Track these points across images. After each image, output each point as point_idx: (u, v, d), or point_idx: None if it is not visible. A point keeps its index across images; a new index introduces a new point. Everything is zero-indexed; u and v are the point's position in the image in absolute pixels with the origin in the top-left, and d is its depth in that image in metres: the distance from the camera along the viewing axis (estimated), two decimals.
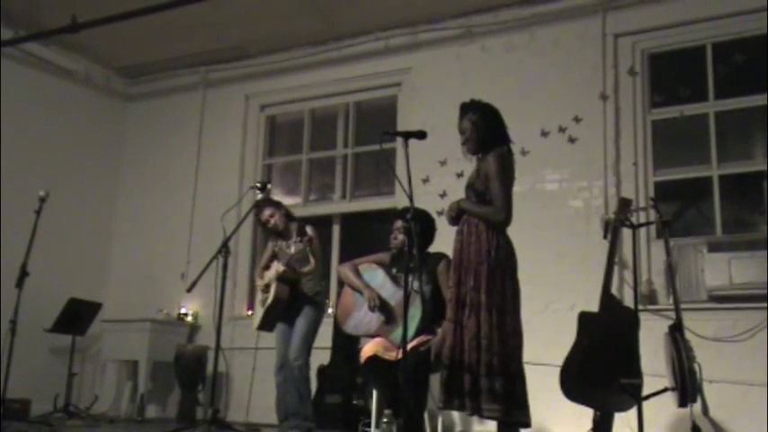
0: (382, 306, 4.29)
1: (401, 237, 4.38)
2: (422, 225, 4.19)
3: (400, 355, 3.45)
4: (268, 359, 5.07)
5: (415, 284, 3.86)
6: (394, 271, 4.41)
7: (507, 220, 3.51)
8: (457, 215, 3.66)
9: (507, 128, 3.72)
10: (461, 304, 3.46)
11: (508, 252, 3.51)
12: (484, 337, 3.34)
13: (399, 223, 4.39)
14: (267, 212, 4.95)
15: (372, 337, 4.33)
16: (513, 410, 3.31)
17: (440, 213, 5.61)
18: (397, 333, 3.97)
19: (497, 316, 3.37)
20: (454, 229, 3.69)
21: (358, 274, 4.48)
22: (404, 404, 3.57)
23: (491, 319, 3.36)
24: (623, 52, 5.82)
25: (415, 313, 4.03)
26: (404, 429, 3.39)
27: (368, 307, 4.31)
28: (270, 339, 5.02)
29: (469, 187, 3.64)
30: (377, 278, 4.42)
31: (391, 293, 4.31)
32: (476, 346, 3.35)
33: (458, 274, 3.53)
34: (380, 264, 4.50)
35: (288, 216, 5.02)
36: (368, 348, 4.24)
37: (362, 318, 4.36)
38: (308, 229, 4.87)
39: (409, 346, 3.85)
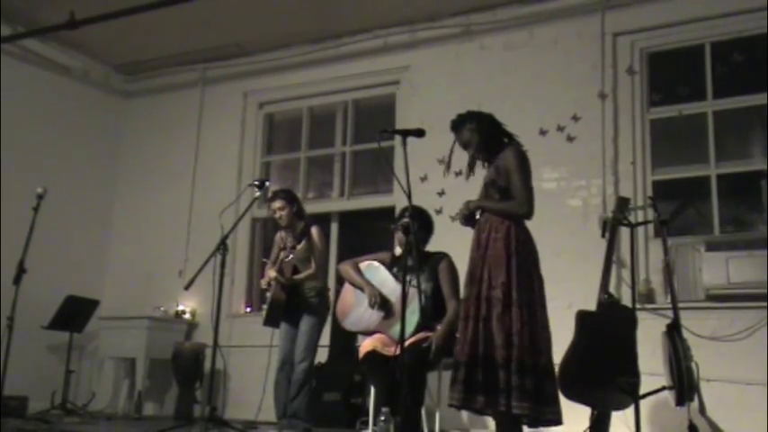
0: (383, 303, 4.30)
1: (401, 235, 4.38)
2: (419, 222, 4.20)
3: (398, 351, 3.45)
4: (266, 357, 5.08)
5: (415, 281, 3.85)
6: (395, 270, 4.42)
7: (530, 211, 3.53)
8: (471, 214, 3.65)
9: (505, 126, 3.74)
10: (485, 300, 3.42)
11: (532, 246, 3.53)
12: (516, 333, 3.33)
13: (402, 221, 4.38)
14: (277, 204, 4.95)
15: (371, 333, 4.34)
16: (543, 408, 3.31)
17: (438, 212, 5.62)
18: (397, 329, 3.97)
19: (528, 312, 3.38)
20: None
21: (359, 271, 4.49)
22: (401, 400, 3.56)
23: (522, 315, 3.36)
24: (622, 51, 5.82)
25: (415, 310, 4.03)
26: (401, 427, 3.39)
27: (368, 304, 4.32)
28: (267, 337, 5.03)
29: (491, 185, 3.61)
30: (377, 276, 4.42)
31: (391, 290, 4.31)
32: (509, 344, 3.33)
33: (479, 271, 3.49)
34: (381, 262, 4.51)
35: (298, 214, 4.99)
36: (367, 343, 4.25)
37: (362, 314, 4.36)
38: (313, 231, 4.84)
39: (408, 342, 3.87)
